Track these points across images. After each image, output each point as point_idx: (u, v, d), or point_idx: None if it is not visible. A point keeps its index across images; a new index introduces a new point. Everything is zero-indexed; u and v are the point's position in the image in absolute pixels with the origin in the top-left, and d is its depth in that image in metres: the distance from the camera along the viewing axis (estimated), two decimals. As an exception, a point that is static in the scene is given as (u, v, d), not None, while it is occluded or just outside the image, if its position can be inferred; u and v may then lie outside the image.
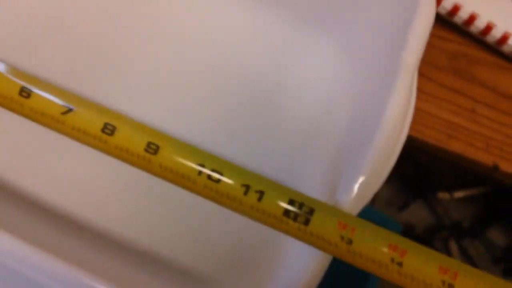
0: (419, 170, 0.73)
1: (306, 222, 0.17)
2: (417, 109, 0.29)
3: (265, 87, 0.26)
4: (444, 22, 0.31)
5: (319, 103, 0.26)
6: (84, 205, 0.24)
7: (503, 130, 0.30)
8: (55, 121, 0.17)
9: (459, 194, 0.72)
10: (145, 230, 0.23)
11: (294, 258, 0.21)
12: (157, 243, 0.23)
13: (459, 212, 0.77)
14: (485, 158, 0.29)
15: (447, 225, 0.74)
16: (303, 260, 0.19)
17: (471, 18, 0.29)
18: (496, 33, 0.29)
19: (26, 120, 0.23)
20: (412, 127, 0.29)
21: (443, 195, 0.72)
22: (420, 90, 0.29)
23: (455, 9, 0.29)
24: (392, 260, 0.18)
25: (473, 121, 0.30)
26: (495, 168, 0.29)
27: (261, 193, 0.17)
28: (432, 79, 0.30)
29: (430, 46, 0.30)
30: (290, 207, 0.17)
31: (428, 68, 0.31)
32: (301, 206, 0.17)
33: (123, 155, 0.17)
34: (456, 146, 0.29)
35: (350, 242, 0.17)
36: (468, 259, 0.71)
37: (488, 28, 0.29)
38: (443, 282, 0.18)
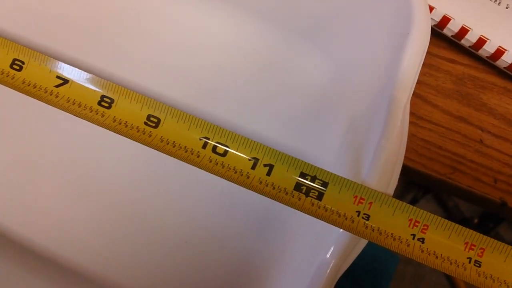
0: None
1: (319, 196, 0.16)
2: (420, 140, 0.27)
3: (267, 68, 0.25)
4: (451, 42, 0.28)
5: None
6: (61, 244, 0.23)
7: (512, 162, 0.27)
8: (48, 94, 0.16)
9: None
10: (127, 273, 0.22)
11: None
12: (138, 285, 0.22)
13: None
14: (492, 193, 0.26)
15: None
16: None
17: (480, 42, 0.26)
18: (507, 58, 0.26)
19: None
20: (414, 160, 0.26)
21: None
22: (423, 118, 0.27)
23: (463, 31, 0.26)
24: (413, 236, 0.16)
25: (480, 153, 0.27)
26: (503, 204, 0.26)
27: (270, 167, 0.16)
28: (436, 106, 0.27)
29: (435, 69, 0.28)
30: (302, 180, 0.16)
31: (431, 93, 0.28)
32: (313, 179, 0.16)
33: (122, 128, 0.16)
34: (462, 181, 0.26)
35: (367, 217, 0.16)
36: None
37: (499, 53, 0.26)
38: (469, 259, 0.16)
